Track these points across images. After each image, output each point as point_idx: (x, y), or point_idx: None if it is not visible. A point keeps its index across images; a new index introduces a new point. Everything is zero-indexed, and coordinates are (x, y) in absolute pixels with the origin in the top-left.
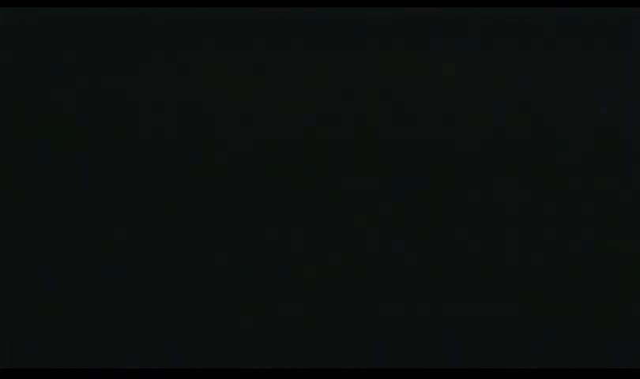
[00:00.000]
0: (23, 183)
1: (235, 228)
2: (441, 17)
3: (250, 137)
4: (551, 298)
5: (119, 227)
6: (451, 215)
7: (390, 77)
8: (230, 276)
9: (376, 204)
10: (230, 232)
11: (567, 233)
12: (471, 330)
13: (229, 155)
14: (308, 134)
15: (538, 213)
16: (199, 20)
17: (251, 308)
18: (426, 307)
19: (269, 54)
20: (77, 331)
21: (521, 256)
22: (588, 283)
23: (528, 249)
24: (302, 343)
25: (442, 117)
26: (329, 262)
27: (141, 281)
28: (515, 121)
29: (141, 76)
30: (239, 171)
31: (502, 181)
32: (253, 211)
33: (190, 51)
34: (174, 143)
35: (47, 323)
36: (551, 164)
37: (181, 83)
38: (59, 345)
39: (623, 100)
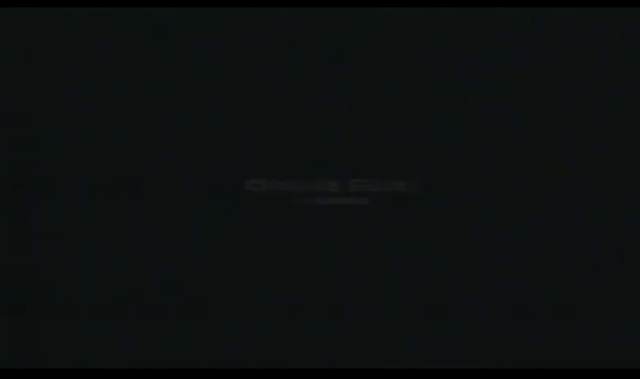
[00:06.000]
0: (22, 184)
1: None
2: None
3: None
4: (550, 298)
5: (120, 226)
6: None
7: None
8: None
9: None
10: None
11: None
12: (471, 330)
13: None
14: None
15: (537, 213)
16: (198, 20)
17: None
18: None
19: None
20: (76, 331)
21: (519, 255)
22: (587, 281)
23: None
24: (302, 344)
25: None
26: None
27: (141, 278)
28: (514, 121)
29: (142, 77)
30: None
31: (501, 182)
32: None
33: (190, 51)
34: (175, 143)
35: (47, 323)
36: (550, 165)
37: (181, 82)
38: (59, 345)
39: (623, 101)
